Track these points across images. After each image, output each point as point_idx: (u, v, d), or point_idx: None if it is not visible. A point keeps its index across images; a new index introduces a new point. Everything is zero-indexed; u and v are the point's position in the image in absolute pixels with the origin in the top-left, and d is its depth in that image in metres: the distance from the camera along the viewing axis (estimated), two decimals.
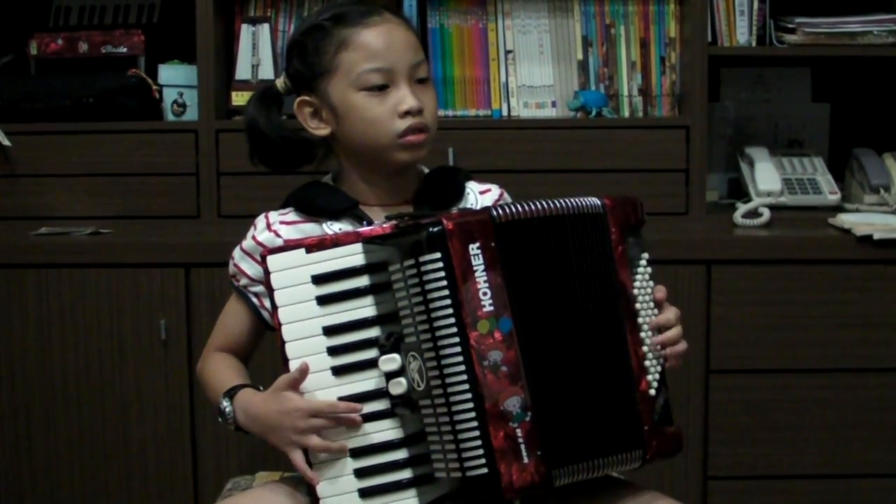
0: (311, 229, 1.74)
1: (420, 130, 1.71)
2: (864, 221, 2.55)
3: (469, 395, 1.50)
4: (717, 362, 2.51)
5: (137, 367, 2.50)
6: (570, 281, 1.58)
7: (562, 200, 1.60)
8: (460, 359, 1.50)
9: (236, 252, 1.79)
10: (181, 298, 2.48)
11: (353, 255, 1.61)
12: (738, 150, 2.91)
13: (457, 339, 1.50)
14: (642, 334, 1.63)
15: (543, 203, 1.59)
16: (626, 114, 2.81)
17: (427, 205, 1.76)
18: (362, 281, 1.60)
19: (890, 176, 2.76)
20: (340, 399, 1.58)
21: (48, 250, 2.50)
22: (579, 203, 1.61)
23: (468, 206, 1.80)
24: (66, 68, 2.82)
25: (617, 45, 2.81)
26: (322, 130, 1.76)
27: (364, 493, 1.58)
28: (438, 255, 1.51)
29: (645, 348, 1.63)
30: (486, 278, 1.52)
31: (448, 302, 1.50)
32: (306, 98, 1.76)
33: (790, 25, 2.76)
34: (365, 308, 1.60)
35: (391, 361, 1.56)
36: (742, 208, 2.67)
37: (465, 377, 1.50)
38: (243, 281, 1.79)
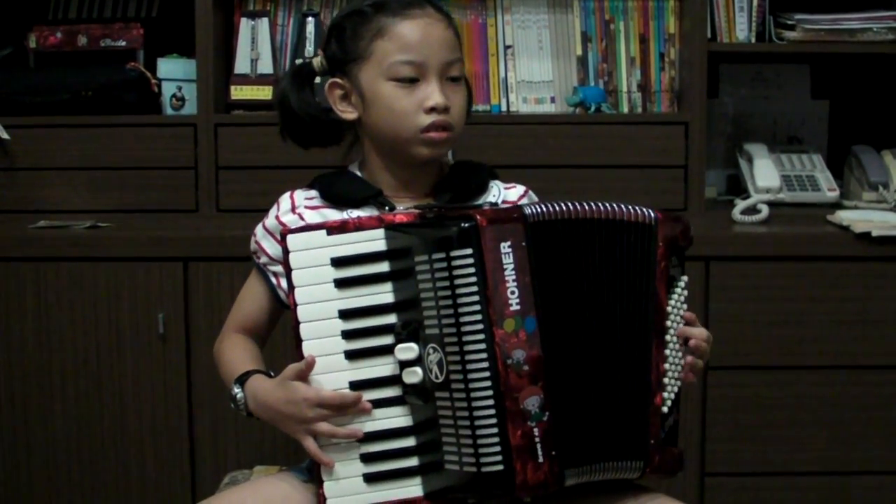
0: (333, 216, 1.74)
1: (444, 128, 1.71)
2: (863, 218, 2.55)
3: (490, 392, 1.50)
4: (716, 359, 2.48)
5: (135, 361, 2.50)
6: (601, 286, 1.58)
7: (612, 204, 1.60)
8: (484, 355, 1.51)
9: (258, 229, 1.79)
10: (179, 292, 2.48)
11: (375, 241, 1.60)
12: (737, 147, 2.91)
13: (482, 336, 1.51)
14: (667, 352, 1.64)
15: (580, 205, 1.59)
16: (625, 110, 2.80)
17: (448, 194, 1.75)
18: (382, 267, 1.59)
19: (889, 173, 2.76)
20: (351, 384, 1.58)
21: (46, 244, 2.49)
22: (631, 210, 1.62)
23: (490, 200, 1.79)
24: (64, 61, 2.81)
25: (616, 40, 2.81)
26: (349, 114, 1.76)
27: (368, 478, 1.58)
28: (469, 250, 1.51)
29: (667, 366, 1.63)
30: (514, 277, 1.52)
31: (476, 298, 1.51)
32: (338, 80, 1.76)
33: (790, 22, 2.76)
34: (383, 294, 1.59)
35: (408, 350, 1.56)
36: (741, 205, 2.66)
37: (487, 374, 1.51)
38: (263, 259, 1.79)
